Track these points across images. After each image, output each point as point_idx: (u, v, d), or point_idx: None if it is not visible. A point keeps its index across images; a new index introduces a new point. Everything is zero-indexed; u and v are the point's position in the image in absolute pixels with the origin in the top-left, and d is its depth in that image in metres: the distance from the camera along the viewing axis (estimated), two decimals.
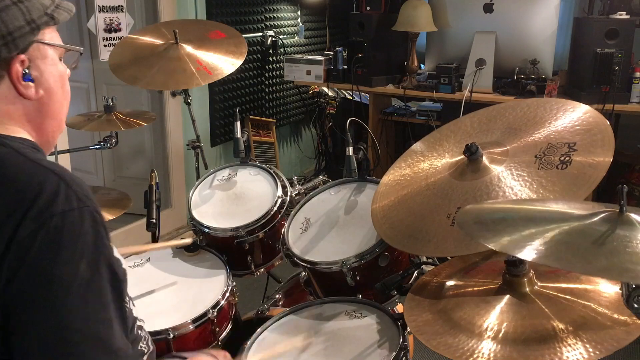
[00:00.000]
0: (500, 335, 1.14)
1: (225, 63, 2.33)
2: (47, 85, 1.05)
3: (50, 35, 1.05)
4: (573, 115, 1.46)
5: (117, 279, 0.97)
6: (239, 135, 2.08)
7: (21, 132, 1.04)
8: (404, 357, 1.36)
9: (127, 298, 1.11)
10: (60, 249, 0.89)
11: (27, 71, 1.01)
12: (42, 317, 0.88)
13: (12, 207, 0.89)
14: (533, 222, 1.01)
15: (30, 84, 1.02)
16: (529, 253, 0.91)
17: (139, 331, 1.16)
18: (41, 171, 0.94)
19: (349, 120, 1.90)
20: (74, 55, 1.14)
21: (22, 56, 1.00)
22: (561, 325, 1.12)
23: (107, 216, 2.26)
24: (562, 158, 1.34)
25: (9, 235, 0.88)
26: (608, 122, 1.39)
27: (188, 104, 2.58)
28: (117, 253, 1.07)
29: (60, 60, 1.09)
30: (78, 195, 0.93)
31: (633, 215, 0.96)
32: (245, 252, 1.90)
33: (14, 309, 0.88)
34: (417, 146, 1.69)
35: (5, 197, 0.91)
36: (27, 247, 0.87)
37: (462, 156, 1.47)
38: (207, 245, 1.93)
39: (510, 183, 1.35)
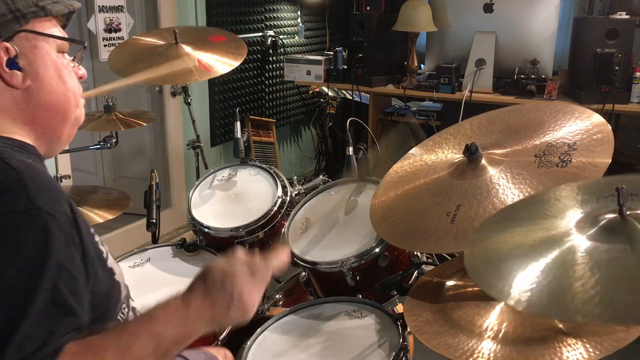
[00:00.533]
0: (500, 335, 1.14)
1: (224, 63, 2.33)
2: (36, 75, 1.04)
3: (45, 27, 1.05)
4: (573, 118, 1.46)
5: (62, 295, 0.88)
6: (239, 135, 2.08)
7: (11, 129, 1.03)
8: (404, 357, 1.36)
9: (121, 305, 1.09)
10: (21, 243, 0.85)
11: (15, 60, 1.00)
12: None
13: None
14: (537, 261, 0.99)
15: (17, 72, 1.01)
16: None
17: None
18: (3, 168, 0.92)
19: (349, 120, 1.90)
20: (77, 51, 1.13)
21: (6, 44, 0.99)
22: (561, 325, 1.12)
23: (107, 216, 2.26)
24: (561, 157, 1.34)
25: None
26: (609, 125, 1.39)
27: (188, 104, 2.58)
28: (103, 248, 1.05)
29: (62, 53, 1.08)
30: (31, 197, 0.89)
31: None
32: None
33: None
34: (416, 149, 1.69)
35: None
36: None
37: (462, 156, 1.47)
38: (207, 245, 1.93)
39: (510, 181, 1.35)
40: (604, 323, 0.98)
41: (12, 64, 1.00)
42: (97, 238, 1.03)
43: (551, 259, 0.97)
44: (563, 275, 0.93)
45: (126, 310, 1.11)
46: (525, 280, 0.94)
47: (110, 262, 1.06)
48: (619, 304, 0.85)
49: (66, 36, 1.08)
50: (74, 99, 1.10)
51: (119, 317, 1.07)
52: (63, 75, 1.08)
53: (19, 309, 0.83)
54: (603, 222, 0.99)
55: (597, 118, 1.43)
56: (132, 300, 1.18)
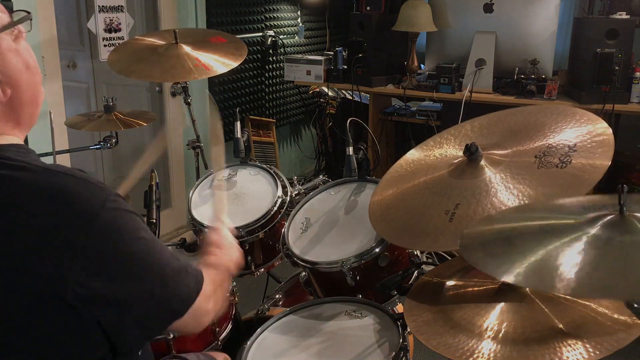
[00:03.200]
0: (500, 335, 1.14)
1: (223, 63, 2.33)
2: (13, 82, 0.99)
3: None
4: (574, 120, 1.46)
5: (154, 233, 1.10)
6: (239, 135, 2.08)
7: (5, 135, 1.01)
8: (404, 357, 1.36)
9: None
10: (122, 230, 0.96)
11: None
12: (144, 286, 0.98)
13: (51, 222, 0.91)
14: (536, 242, 1.00)
15: None
16: (540, 284, 0.93)
17: None
18: (55, 177, 0.95)
19: (349, 120, 1.90)
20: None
21: None
22: (561, 325, 1.12)
23: None
24: (561, 158, 1.34)
25: (70, 251, 0.91)
26: (609, 127, 1.39)
27: (188, 104, 2.58)
28: None
29: (16, 38, 1.01)
30: (99, 185, 0.97)
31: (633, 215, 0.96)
32: (245, 252, 1.90)
33: (109, 297, 0.94)
34: (417, 150, 1.69)
35: (37, 213, 0.92)
36: (98, 249, 0.93)
37: (462, 156, 1.47)
38: None
39: (510, 181, 1.35)
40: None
41: None
42: None
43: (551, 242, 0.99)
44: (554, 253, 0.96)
45: None
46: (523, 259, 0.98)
47: None
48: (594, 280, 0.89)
49: (7, 17, 0.99)
50: (40, 80, 1.06)
51: None
52: (27, 61, 1.02)
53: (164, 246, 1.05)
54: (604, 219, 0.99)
55: (598, 120, 1.42)
56: None
